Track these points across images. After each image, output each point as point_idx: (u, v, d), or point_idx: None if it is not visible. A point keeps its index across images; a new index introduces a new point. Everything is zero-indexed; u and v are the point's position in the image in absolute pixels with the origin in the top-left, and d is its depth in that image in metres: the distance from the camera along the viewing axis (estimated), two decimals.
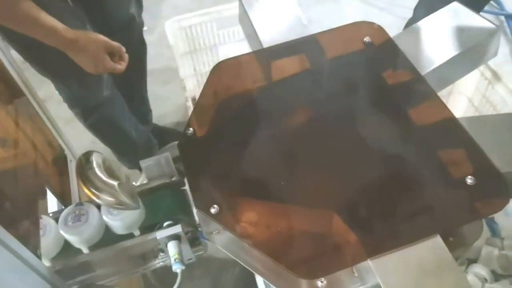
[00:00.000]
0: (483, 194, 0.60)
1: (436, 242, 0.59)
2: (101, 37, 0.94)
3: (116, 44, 0.96)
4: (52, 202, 0.85)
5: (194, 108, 0.74)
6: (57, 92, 1.16)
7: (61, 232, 0.66)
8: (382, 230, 0.60)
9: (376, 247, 0.58)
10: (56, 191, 0.87)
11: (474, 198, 0.60)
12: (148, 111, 1.54)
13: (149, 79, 1.48)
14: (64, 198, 0.91)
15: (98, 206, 0.69)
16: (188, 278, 1.36)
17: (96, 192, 0.64)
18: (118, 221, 0.66)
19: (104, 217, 0.67)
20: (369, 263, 0.58)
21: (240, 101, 0.76)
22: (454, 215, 0.60)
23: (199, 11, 1.51)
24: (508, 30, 1.93)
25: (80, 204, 0.67)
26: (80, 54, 0.93)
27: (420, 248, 0.58)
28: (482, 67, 1.24)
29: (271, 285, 1.15)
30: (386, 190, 0.63)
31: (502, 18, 1.98)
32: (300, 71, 0.79)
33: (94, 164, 0.66)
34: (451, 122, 0.68)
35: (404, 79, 0.75)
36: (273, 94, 0.77)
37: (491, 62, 1.21)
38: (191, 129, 0.71)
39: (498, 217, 1.25)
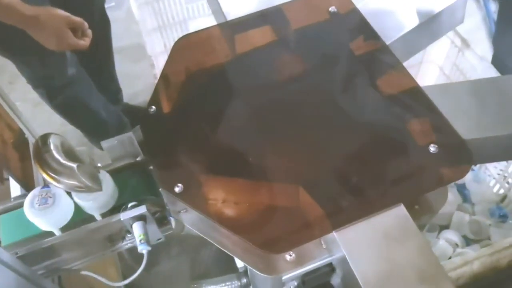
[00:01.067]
0: (446, 162, 0.60)
1: (400, 211, 0.59)
2: (62, 12, 0.90)
3: (78, 19, 0.93)
4: (15, 188, 0.83)
5: (156, 86, 0.72)
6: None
7: (28, 215, 0.64)
8: (347, 201, 0.60)
9: (340, 218, 0.58)
10: (17, 176, 0.84)
11: (438, 166, 0.60)
12: (118, 90, 1.51)
13: (118, 57, 1.44)
14: (27, 183, 0.88)
15: None
16: (167, 256, 1.36)
17: (54, 175, 0.62)
18: (90, 201, 0.64)
19: (76, 199, 0.65)
20: (334, 234, 0.58)
21: (204, 77, 0.74)
22: (418, 183, 0.60)
23: None
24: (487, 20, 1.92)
25: (46, 186, 0.65)
26: (41, 31, 0.89)
27: (384, 218, 0.59)
28: (452, 35, 1.24)
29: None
30: (350, 162, 0.63)
31: None
32: (265, 43, 0.78)
33: (52, 147, 0.64)
34: (415, 91, 0.67)
35: (369, 48, 0.74)
36: (237, 68, 0.75)
37: (461, 30, 1.21)
38: (153, 107, 0.70)
39: (470, 183, 1.28)
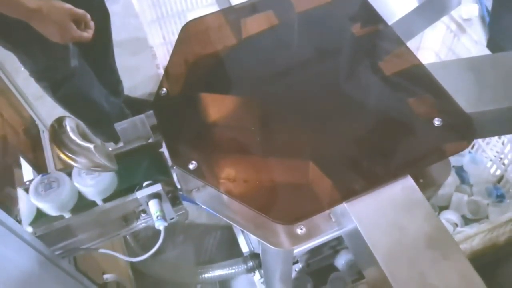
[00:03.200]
0: (450, 134, 0.63)
1: (407, 182, 0.61)
2: (65, 4, 0.91)
3: (80, 11, 0.94)
4: (28, 172, 0.84)
5: (166, 69, 0.73)
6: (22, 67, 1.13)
7: (36, 203, 0.66)
8: (356, 174, 0.62)
9: (350, 190, 0.60)
10: (31, 161, 0.86)
11: (442, 138, 0.63)
12: (118, 82, 1.52)
13: (117, 50, 1.45)
14: (39, 168, 0.90)
15: (69, 173, 0.68)
16: (171, 245, 1.38)
17: (72, 155, 0.64)
18: (90, 187, 0.66)
19: (77, 184, 0.67)
20: (345, 206, 0.60)
21: (212, 60, 0.76)
22: (424, 155, 0.63)
23: None
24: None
25: (45, 174, 0.67)
26: (44, 23, 0.90)
27: (392, 189, 0.61)
28: (447, 20, 1.27)
29: (251, 239, 1.17)
30: (358, 137, 0.65)
31: None
32: (269, 27, 0.80)
33: (68, 129, 0.66)
34: (419, 68, 0.70)
35: (373, 30, 0.76)
36: (244, 52, 0.77)
37: (456, 14, 1.24)
38: (164, 89, 0.71)
39: (467, 165, 1.31)
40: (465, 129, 0.63)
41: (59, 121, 0.67)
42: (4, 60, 1.11)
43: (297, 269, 1.19)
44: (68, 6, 0.91)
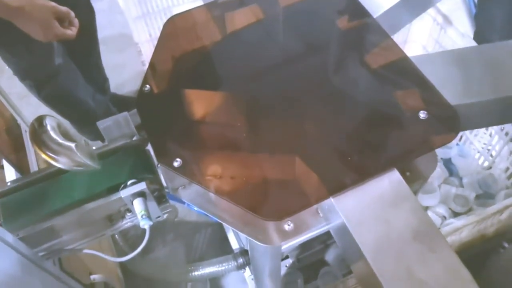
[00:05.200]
0: (436, 127, 0.63)
1: (394, 176, 0.61)
2: (48, 2, 0.89)
3: (64, 8, 0.92)
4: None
5: (149, 65, 0.72)
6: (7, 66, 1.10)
7: None
8: (342, 169, 0.62)
9: (337, 185, 0.60)
10: (14, 162, 0.84)
11: (427, 131, 0.62)
12: (105, 80, 1.50)
13: (103, 48, 1.43)
14: (22, 169, 0.88)
15: None
16: (161, 243, 1.37)
17: (53, 155, 0.62)
18: None
19: None
20: (332, 200, 0.60)
21: (196, 55, 0.74)
22: (410, 148, 0.62)
23: None
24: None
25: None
26: (27, 22, 0.88)
27: (379, 183, 0.61)
28: (434, 13, 1.27)
29: (240, 236, 1.16)
30: (344, 130, 0.65)
31: None
32: (255, 22, 0.79)
33: (49, 127, 0.64)
34: (404, 61, 0.69)
35: (358, 23, 0.76)
36: (228, 46, 0.76)
37: (443, 7, 1.24)
38: (147, 86, 0.70)
39: (455, 158, 1.31)
40: (451, 122, 0.63)
41: (39, 120, 0.66)
42: None
43: (287, 265, 1.19)
44: (51, 3, 0.89)
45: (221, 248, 1.26)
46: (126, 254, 1.23)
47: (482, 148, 1.29)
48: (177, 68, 0.72)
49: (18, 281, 0.61)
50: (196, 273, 1.15)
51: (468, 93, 0.67)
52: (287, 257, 1.15)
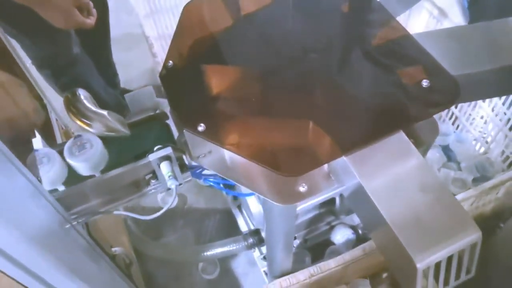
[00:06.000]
0: (437, 93, 0.69)
1: (400, 137, 0.67)
2: None
3: None
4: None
5: (171, 44, 0.78)
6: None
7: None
8: (353, 131, 0.67)
9: (348, 145, 0.65)
10: (42, 135, 0.90)
11: (430, 97, 0.68)
12: (115, 74, 1.56)
13: (112, 46, 1.49)
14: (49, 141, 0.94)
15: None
16: (172, 229, 1.42)
17: (87, 121, 0.68)
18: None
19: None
20: (344, 159, 0.65)
21: (214, 34, 0.80)
22: (415, 112, 0.68)
23: None
24: None
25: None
26: (49, 9, 0.94)
27: (387, 143, 0.66)
28: (430, 7, 1.34)
29: (251, 217, 1.21)
30: (355, 99, 0.71)
31: None
32: (268, 5, 0.85)
33: (82, 97, 0.70)
34: (407, 38, 0.76)
35: (363, 5, 0.82)
36: (244, 28, 0.82)
37: (438, 1, 1.31)
38: (170, 61, 0.76)
39: (453, 144, 1.37)
40: (451, 89, 0.69)
41: (73, 92, 0.71)
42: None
43: (295, 245, 1.24)
44: None
45: (230, 233, 1.30)
46: (140, 238, 1.28)
47: (478, 134, 1.35)
48: (198, 46, 0.78)
49: (54, 235, 0.65)
50: (207, 253, 1.19)
51: (466, 64, 0.73)
52: (295, 238, 1.20)
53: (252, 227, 1.27)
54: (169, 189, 0.75)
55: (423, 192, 0.62)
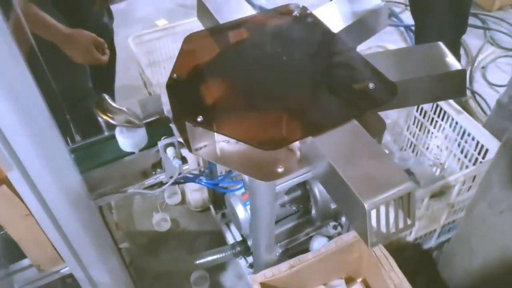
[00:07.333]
0: (379, 93, 0.90)
1: (354, 123, 0.87)
2: (90, 33, 1.19)
3: (101, 39, 1.22)
4: None
5: (175, 62, 0.99)
6: None
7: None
8: (321, 120, 0.88)
9: (317, 129, 0.85)
10: None
11: (374, 95, 0.90)
12: None
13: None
14: None
15: None
16: (165, 250, 1.54)
17: (111, 115, 0.87)
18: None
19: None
20: (313, 139, 0.84)
21: (207, 55, 1.02)
22: (363, 106, 0.89)
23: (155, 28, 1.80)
24: (408, 39, 2.38)
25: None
26: (73, 46, 1.16)
27: (345, 128, 0.86)
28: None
29: (237, 234, 1.35)
30: (320, 97, 0.92)
31: (402, 29, 2.45)
32: (250, 34, 1.08)
33: (107, 99, 0.90)
34: (358, 55, 0.99)
35: (324, 35, 1.07)
36: (231, 50, 1.05)
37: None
38: (175, 75, 0.97)
39: (413, 167, 1.58)
40: (391, 90, 0.91)
41: (101, 96, 0.92)
42: None
43: (277, 254, 1.37)
44: (92, 34, 1.19)
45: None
46: (136, 253, 1.40)
47: (433, 158, 1.57)
48: (195, 63, 1.00)
49: (78, 205, 0.81)
50: (198, 261, 1.32)
51: (405, 73, 0.96)
52: (278, 243, 1.35)
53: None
54: (171, 177, 0.92)
55: (371, 159, 0.81)
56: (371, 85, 0.92)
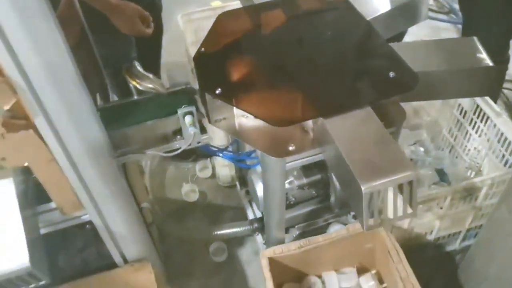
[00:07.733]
0: (400, 81, 0.90)
1: (368, 111, 0.87)
2: (136, 5, 1.26)
3: (146, 13, 1.28)
4: None
5: (205, 38, 1.04)
6: None
7: None
8: (333, 102, 0.89)
9: (329, 110, 0.86)
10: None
11: (394, 84, 0.89)
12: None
13: None
14: None
15: None
16: (191, 219, 1.62)
17: (139, 81, 0.94)
18: None
19: None
20: (324, 121, 0.86)
21: (235, 34, 1.06)
22: (384, 93, 0.89)
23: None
24: None
25: None
26: (120, 16, 1.24)
27: (359, 113, 0.87)
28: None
29: (258, 211, 1.39)
30: (338, 81, 0.93)
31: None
32: (281, 15, 1.11)
33: (136, 65, 0.97)
34: (385, 45, 0.98)
35: (351, 18, 1.07)
36: (259, 30, 1.08)
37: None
38: (202, 48, 1.01)
39: (447, 167, 1.54)
40: (410, 78, 0.90)
41: (132, 63, 0.98)
42: None
43: (294, 235, 1.40)
44: (138, 6, 1.26)
45: None
46: (162, 219, 1.49)
47: (469, 161, 1.51)
48: (223, 40, 1.04)
49: (99, 159, 0.87)
50: (217, 232, 1.38)
51: (428, 65, 0.94)
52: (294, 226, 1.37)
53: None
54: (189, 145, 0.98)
55: (378, 145, 0.82)
56: (391, 74, 0.91)
